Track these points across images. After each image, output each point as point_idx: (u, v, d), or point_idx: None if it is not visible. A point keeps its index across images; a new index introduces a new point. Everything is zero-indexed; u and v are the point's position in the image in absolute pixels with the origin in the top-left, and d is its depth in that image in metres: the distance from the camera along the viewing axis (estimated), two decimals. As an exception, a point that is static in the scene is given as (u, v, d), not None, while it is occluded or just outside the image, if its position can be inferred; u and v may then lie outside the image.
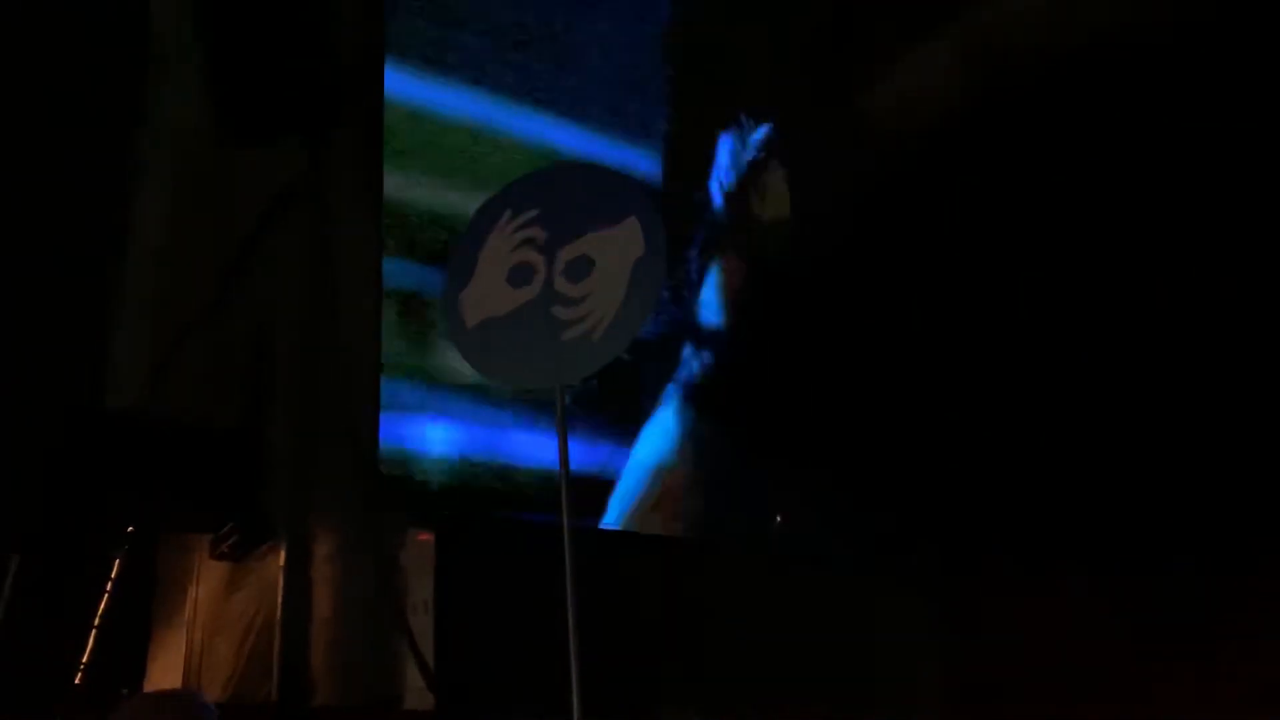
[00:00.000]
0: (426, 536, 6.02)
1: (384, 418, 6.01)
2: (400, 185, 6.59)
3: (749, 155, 8.06)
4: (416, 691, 5.69)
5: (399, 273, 6.41)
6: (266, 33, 6.53)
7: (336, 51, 6.81)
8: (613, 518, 6.78)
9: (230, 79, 6.27)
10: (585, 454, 6.62)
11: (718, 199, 7.91)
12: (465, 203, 5.40)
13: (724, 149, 8.01)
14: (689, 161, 7.88)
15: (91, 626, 5.85)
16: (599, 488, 6.77)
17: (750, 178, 7.99)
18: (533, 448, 6.34)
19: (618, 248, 2.97)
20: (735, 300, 7.72)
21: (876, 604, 7.13)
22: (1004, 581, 6.94)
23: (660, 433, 7.14)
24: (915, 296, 7.46)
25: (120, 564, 6.05)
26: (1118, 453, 6.77)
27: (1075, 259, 7.06)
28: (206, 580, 6.48)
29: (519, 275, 3.07)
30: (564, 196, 3.18)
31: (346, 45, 6.89)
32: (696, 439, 7.25)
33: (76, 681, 5.72)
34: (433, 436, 6.18)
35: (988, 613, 7.00)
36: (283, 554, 5.95)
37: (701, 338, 7.48)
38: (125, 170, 6.57)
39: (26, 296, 5.96)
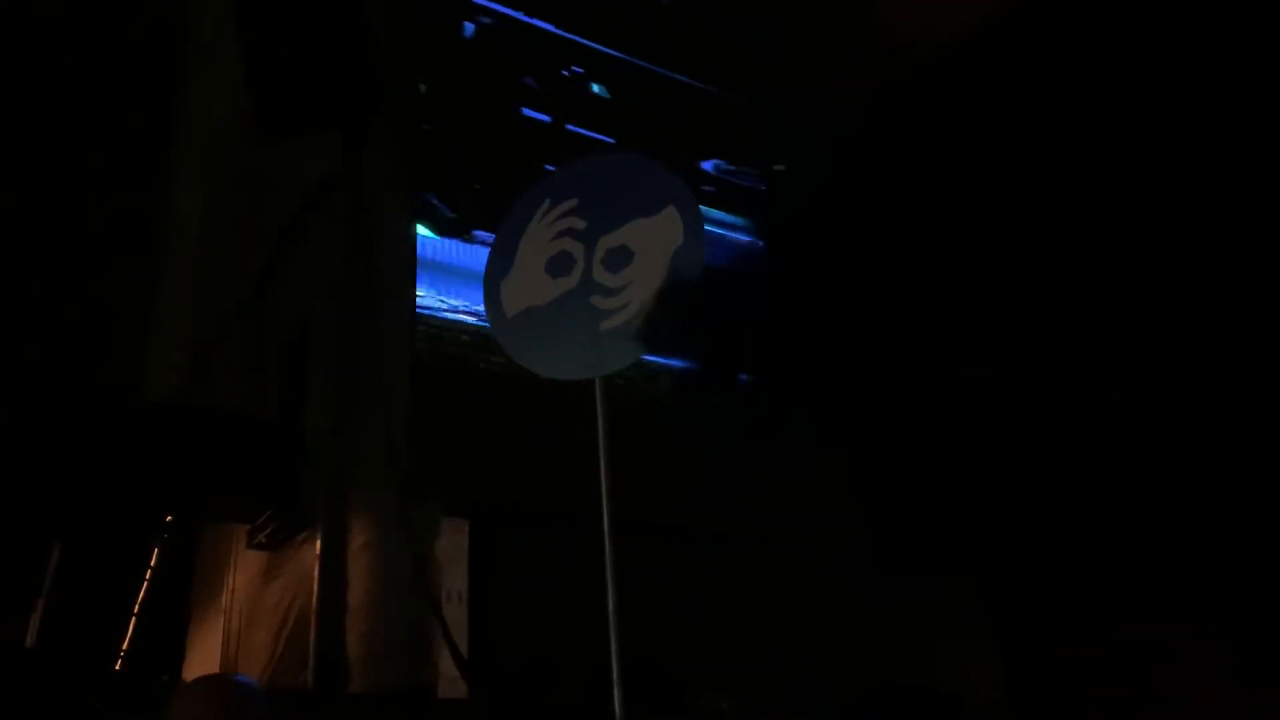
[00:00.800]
0: (460, 526, 6.05)
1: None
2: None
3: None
4: (450, 680, 5.72)
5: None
6: (302, 25, 6.55)
7: (372, 44, 6.83)
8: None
9: (266, 71, 6.29)
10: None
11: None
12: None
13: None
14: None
15: (131, 614, 5.93)
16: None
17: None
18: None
19: (657, 237, 2.97)
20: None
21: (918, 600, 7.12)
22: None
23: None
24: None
25: (159, 553, 6.13)
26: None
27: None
28: (243, 569, 6.55)
29: (559, 265, 3.08)
30: (603, 186, 3.19)
31: (382, 38, 6.91)
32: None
33: (117, 668, 5.80)
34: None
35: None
36: (318, 543, 5.99)
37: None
38: (163, 161, 6.63)
39: (66, 287, 6.03)
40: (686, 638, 5.88)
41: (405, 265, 6.34)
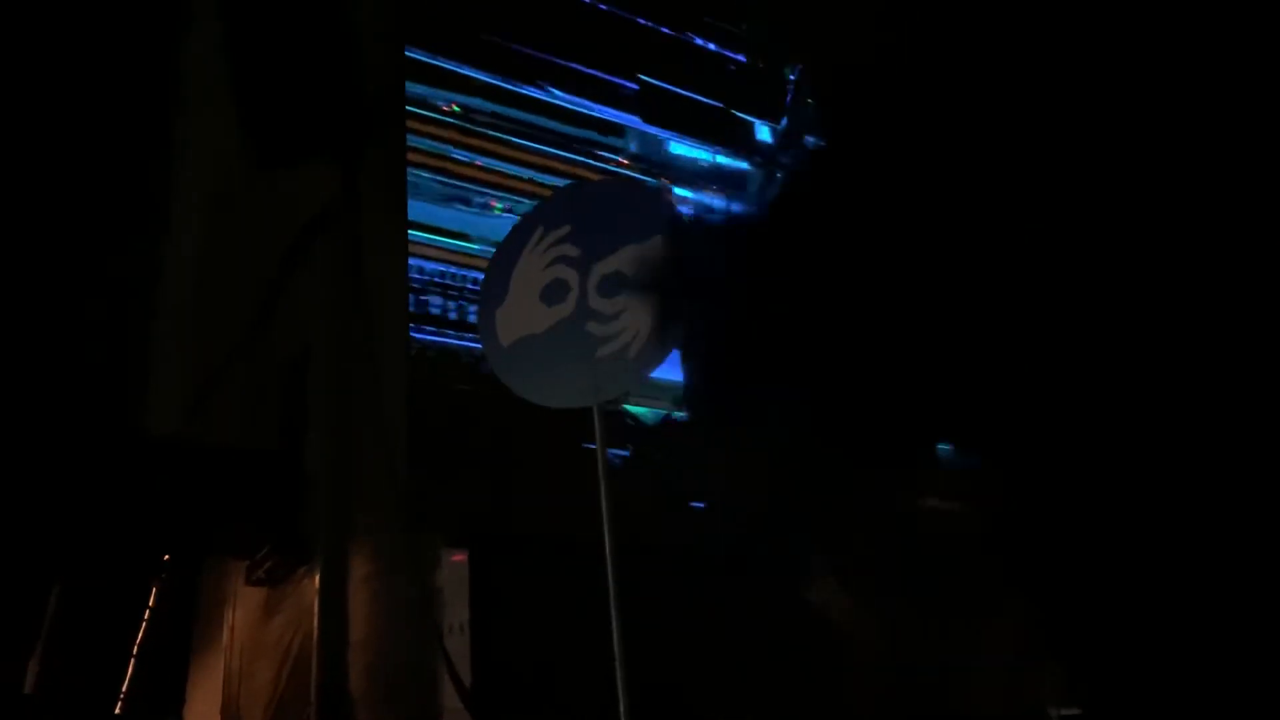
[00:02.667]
0: (461, 557, 6.01)
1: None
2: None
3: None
4: (454, 713, 5.66)
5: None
6: (293, 57, 6.59)
7: (361, 74, 6.86)
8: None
9: (260, 104, 6.32)
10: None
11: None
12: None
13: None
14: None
15: (131, 654, 5.88)
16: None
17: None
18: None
19: (651, 263, 2.94)
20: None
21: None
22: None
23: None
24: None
25: (158, 591, 6.09)
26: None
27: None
28: (244, 605, 6.50)
29: (553, 292, 3.05)
30: (595, 212, 3.18)
31: (370, 68, 6.94)
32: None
33: (117, 710, 5.75)
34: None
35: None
36: (318, 577, 5.95)
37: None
38: (161, 196, 6.64)
39: (65, 324, 6.02)
40: (693, 661, 5.83)
41: (401, 295, 6.32)
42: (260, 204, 6.69)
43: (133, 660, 5.74)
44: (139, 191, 6.65)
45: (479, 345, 3.14)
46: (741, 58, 8.89)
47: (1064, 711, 7.15)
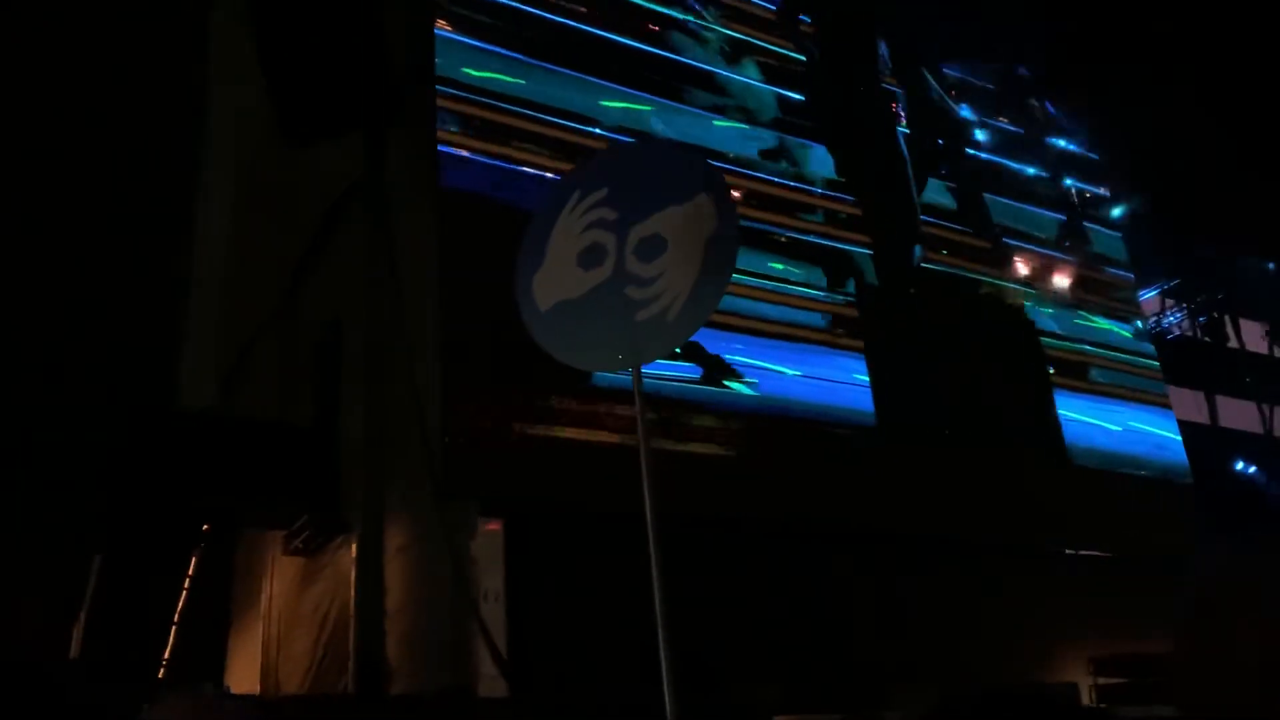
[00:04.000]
0: (495, 526, 6.04)
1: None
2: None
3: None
4: (489, 679, 5.71)
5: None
6: (324, 36, 6.58)
7: (390, 49, 6.84)
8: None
9: (290, 82, 6.32)
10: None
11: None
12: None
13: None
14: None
15: (172, 623, 5.96)
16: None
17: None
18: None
19: (690, 225, 2.92)
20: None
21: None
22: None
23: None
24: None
25: (198, 561, 6.16)
26: None
27: None
28: (281, 575, 6.58)
29: (591, 256, 3.02)
30: (632, 175, 3.14)
31: (399, 43, 6.93)
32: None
33: (160, 676, 5.83)
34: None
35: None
36: (354, 547, 6.00)
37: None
38: (191, 174, 6.67)
39: (100, 303, 6.07)
40: (730, 630, 5.86)
41: (432, 266, 6.32)
42: (290, 178, 6.71)
43: (174, 628, 5.81)
44: (170, 167, 6.67)
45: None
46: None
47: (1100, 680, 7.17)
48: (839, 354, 7.81)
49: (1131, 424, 9.32)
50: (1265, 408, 11.22)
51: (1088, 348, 9.50)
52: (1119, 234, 10.69)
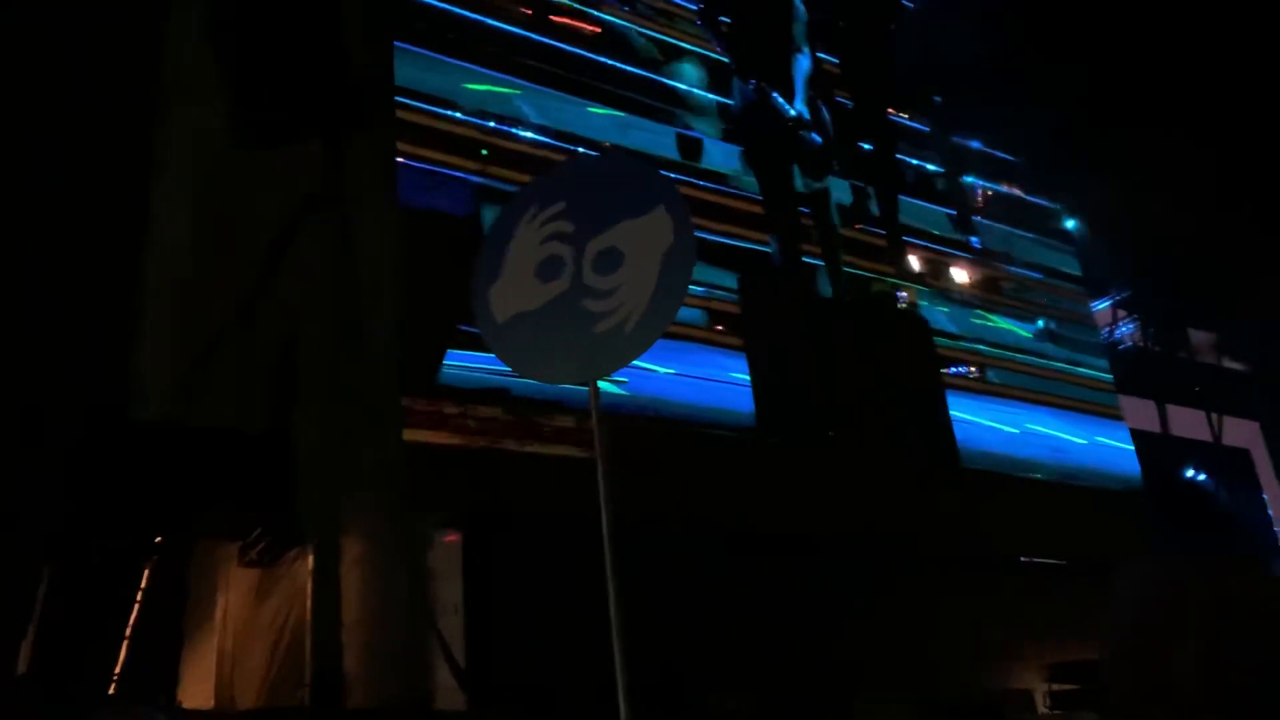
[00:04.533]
0: (454, 538, 6.02)
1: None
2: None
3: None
4: (447, 691, 5.69)
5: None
6: (284, 40, 6.55)
7: (349, 55, 6.82)
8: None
9: (248, 86, 6.28)
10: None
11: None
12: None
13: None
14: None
15: (124, 636, 5.88)
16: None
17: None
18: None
19: (646, 239, 2.93)
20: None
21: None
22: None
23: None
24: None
25: (150, 573, 6.08)
26: None
27: None
28: (236, 587, 6.51)
29: (548, 269, 3.03)
30: (590, 188, 3.16)
31: (358, 48, 6.90)
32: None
33: (110, 691, 5.74)
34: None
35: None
36: (311, 558, 5.95)
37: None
38: (147, 180, 6.60)
39: (53, 309, 5.99)
40: (690, 639, 5.86)
41: (393, 275, 6.30)
42: (249, 185, 6.65)
43: (126, 642, 5.74)
44: (126, 173, 6.60)
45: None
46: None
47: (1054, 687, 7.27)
48: (717, 352, 7.46)
49: (1029, 426, 9.19)
50: (1213, 416, 11.43)
51: (983, 348, 9.31)
52: (1055, 240, 10.76)
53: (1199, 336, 11.84)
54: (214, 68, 6.29)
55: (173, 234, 6.63)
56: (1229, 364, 11.84)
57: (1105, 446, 9.71)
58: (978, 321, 9.42)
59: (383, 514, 5.79)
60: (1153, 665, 1.01)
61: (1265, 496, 12.33)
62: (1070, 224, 10.93)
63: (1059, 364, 9.84)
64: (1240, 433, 12.21)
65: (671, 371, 7.03)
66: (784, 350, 7.80)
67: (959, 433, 8.51)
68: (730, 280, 7.78)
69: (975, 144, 10.64)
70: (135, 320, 6.42)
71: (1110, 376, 10.24)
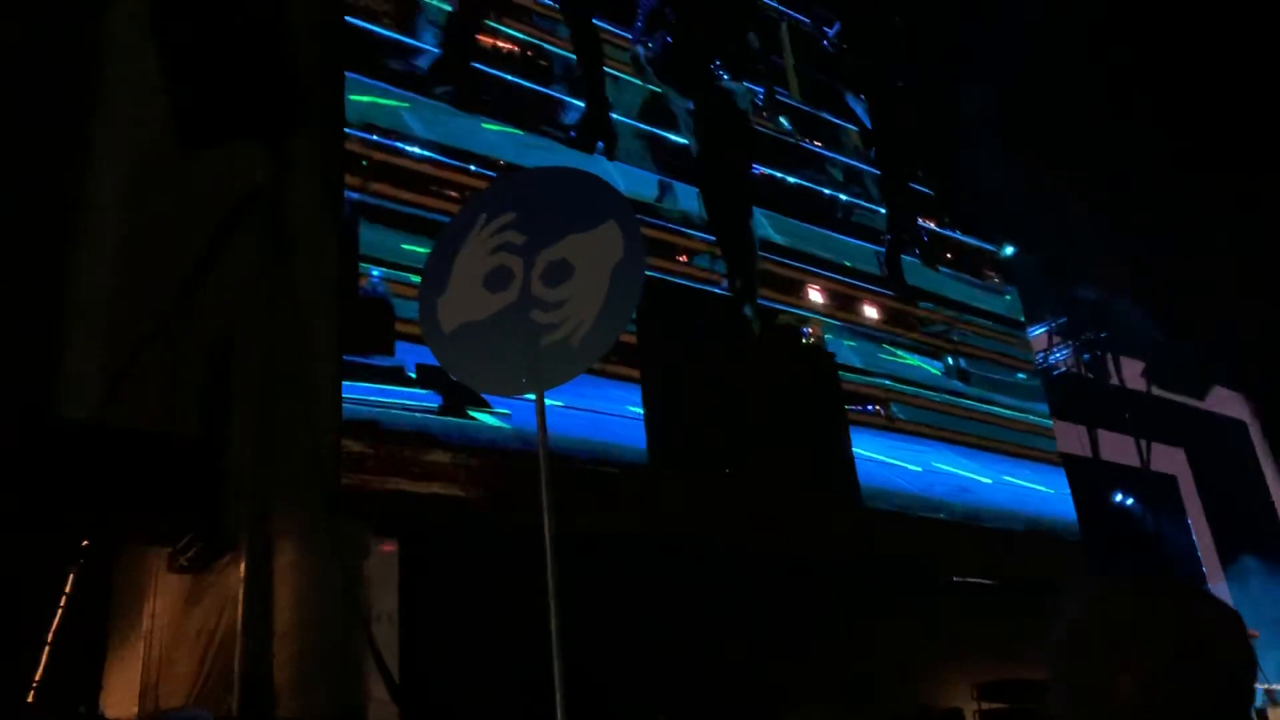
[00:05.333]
0: (390, 547, 5.94)
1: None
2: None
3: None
4: (380, 704, 5.61)
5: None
6: (224, 38, 6.44)
7: (295, 57, 6.73)
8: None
9: (187, 86, 6.17)
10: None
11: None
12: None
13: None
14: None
15: (45, 643, 5.73)
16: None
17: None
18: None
19: (597, 252, 2.94)
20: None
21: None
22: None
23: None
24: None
25: (75, 578, 5.93)
26: None
27: None
28: (164, 593, 6.37)
29: (496, 279, 3.02)
30: (541, 200, 3.15)
31: (305, 51, 6.82)
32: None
33: (29, 699, 5.59)
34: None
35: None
36: (243, 565, 5.84)
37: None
38: (80, 177, 6.45)
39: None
40: (624, 653, 5.85)
41: (331, 278, 6.22)
42: (185, 184, 6.53)
43: (47, 648, 5.58)
44: (55, 166, 6.45)
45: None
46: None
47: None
48: (610, 383, 6.94)
49: (935, 465, 8.85)
50: (1142, 442, 11.69)
51: (888, 383, 8.96)
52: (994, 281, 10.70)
53: (1130, 364, 12.12)
54: (153, 62, 6.17)
55: (107, 230, 6.49)
56: (1158, 392, 12.14)
57: (1014, 486, 9.53)
58: (885, 357, 9.13)
59: (316, 521, 5.70)
60: (1094, 686, 1.03)
61: (1189, 522, 12.65)
62: (1008, 251, 11.06)
63: (970, 402, 9.57)
64: (1168, 460, 12.52)
65: (560, 404, 6.36)
66: (681, 382, 7.41)
67: (862, 470, 8.24)
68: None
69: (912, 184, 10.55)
70: (67, 316, 6.27)
71: (1041, 418, 10.12)
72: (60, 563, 5.81)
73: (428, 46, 7.29)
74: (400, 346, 6.18)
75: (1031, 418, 10.08)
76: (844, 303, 9.03)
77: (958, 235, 10.60)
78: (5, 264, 5.97)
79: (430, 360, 5.63)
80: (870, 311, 9.22)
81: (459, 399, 6.22)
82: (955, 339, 9.87)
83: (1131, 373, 12.05)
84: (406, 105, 6.98)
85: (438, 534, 6.02)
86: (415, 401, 6.13)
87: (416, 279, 5.63)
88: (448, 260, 3.15)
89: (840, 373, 8.58)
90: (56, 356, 6.23)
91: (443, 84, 7.18)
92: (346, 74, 6.78)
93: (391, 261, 6.37)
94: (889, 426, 8.72)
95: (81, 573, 5.86)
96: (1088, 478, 10.57)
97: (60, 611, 5.71)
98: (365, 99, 6.81)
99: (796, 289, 8.74)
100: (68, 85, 6.55)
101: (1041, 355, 11.77)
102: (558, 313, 2.94)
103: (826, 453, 8.15)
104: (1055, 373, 11.86)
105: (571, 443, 6.52)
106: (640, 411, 7.08)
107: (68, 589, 5.76)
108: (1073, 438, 10.92)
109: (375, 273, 6.30)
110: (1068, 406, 10.97)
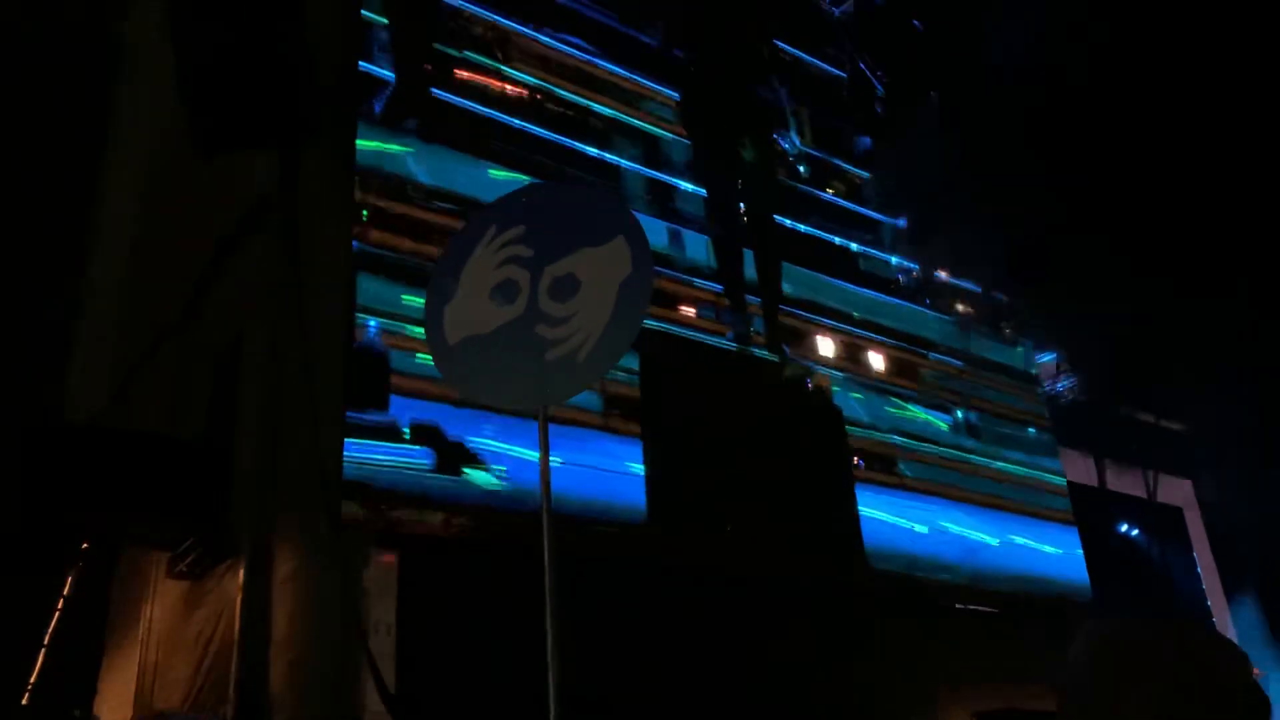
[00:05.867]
0: (390, 557, 5.93)
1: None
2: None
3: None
4: (376, 715, 5.58)
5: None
6: (240, 45, 6.47)
7: (311, 65, 6.76)
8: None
9: (203, 92, 6.19)
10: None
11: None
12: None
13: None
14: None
15: (41, 645, 5.71)
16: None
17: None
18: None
19: (604, 268, 2.93)
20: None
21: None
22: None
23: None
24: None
25: (73, 580, 5.91)
26: None
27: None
28: (162, 598, 6.34)
29: (503, 292, 3.02)
30: (550, 214, 3.15)
31: (322, 59, 6.84)
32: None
33: (24, 701, 5.57)
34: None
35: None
36: (242, 573, 5.82)
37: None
38: (93, 181, 6.48)
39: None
40: (621, 669, 5.82)
41: (341, 286, 6.22)
42: (199, 189, 6.55)
43: (43, 650, 5.56)
44: (69, 169, 6.48)
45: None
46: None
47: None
48: (611, 439, 6.74)
49: (941, 524, 8.57)
50: (1149, 473, 11.63)
51: (897, 439, 8.64)
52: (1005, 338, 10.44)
53: (1138, 394, 12.06)
54: (169, 69, 6.19)
55: (118, 232, 6.51)
56: (1166, 423, 12.08)
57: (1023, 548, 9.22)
58: (894, 411, 8.81)
59: (318, 530, 5.68)
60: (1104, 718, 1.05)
61: (1195, 555, 12.56)
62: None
63: (980, 458, 9.28)
64: (1175, 491, 12.44)
65: (559, 461, 6.00)
66: (684, 439, 7.19)
67: (868, 530, 7.96)
68: (631, 361, 6.96)
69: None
70: (72, 319, 6.28)
71: (1054, 475, 9.86)
72: (59, 565, 5.79)
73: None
74: (394, 401, 6.01)
75: (1043, 475, 9.77)
76: (852, 354, 8.75)
77: (969, 285, 10.36)
78: (16, 265, 5.99)
79: (424, 417, 5.64)
80: (878, 363, 8.92)
81: (453, 458, 6.07)
82: (966, 393, 9.57)
83: (1140, 403, 12.00)
84: (411, 150, 6.75)
85: (437, 547, 6.00)
86: (407, 459, 6.02)
87: (414, 330, 5.60)
88: (455, 271, 3.14)
89: (848, 427, 8.29)
90: (63, 359, 6.24)
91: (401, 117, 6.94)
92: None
93: (389, 313, 6.17)
94: (897, 484, 8.43)
95: (80, 576, 5.84)
96: (1093, 507, 10.51)
97: (57, 614, 5.69)
98: (371, 145, 6.60)
99: (804, 339, 8.50)
100: (84, 90, 6.59)
101: (1049, 384, 11.72)
102: (564, 327, 2.93)
103: (831, 512, 7.85)
104: (1063, 401, 11.81)
105: (571, 502, 6.14)
106: (641, 470, 6.83)
107: (65, 592, 5.74)
108: (1080, 467, 10.86)
109: (372, 323, 6.10)
110: (1074, 435, 10.90)
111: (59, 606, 5.73)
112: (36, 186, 6.08)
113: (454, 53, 7.36)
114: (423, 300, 5.55)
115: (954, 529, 8.63)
